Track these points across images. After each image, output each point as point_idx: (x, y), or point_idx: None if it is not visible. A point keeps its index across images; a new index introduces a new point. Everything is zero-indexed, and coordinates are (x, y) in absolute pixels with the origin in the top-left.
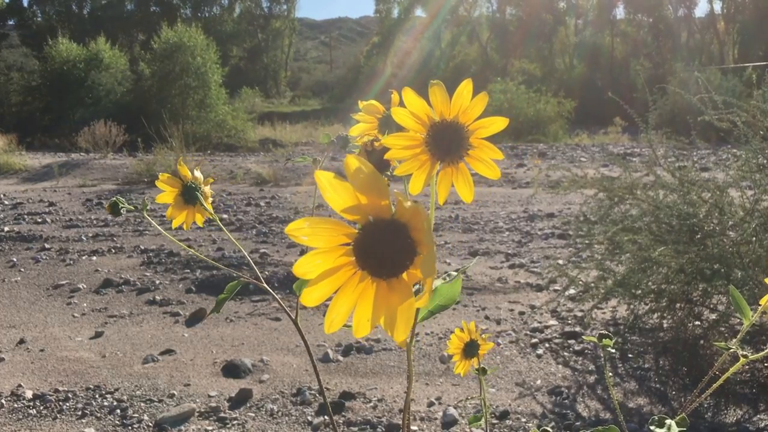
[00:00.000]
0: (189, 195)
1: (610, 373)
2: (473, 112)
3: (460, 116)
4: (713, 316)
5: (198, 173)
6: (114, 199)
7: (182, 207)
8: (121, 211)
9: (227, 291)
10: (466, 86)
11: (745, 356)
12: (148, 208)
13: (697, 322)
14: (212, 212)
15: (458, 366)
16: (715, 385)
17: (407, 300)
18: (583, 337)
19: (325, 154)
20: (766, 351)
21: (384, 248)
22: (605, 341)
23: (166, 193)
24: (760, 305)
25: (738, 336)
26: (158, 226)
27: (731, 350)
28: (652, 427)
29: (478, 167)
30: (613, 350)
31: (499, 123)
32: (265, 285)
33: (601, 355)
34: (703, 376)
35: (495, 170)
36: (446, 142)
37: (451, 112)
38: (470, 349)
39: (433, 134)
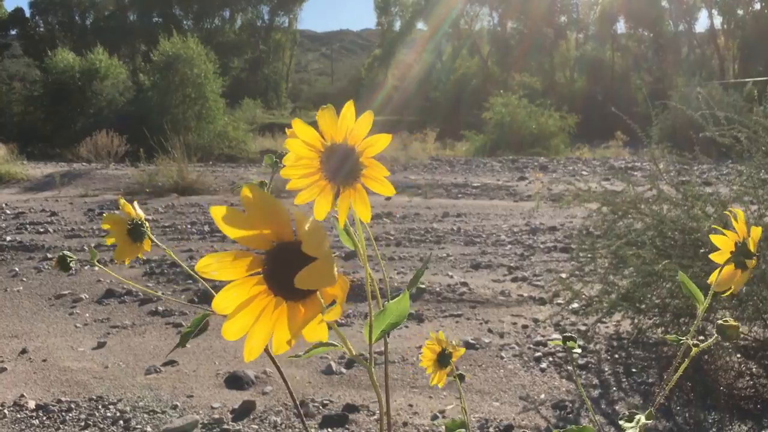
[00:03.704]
0: (137, 233)
1: (596, 380)
2: (359, 132)
3: (348, 138)
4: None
5: (136, 208)
6: (61, 253)
7: (129, 244)
8: (70, 264)
9: (193, 325)
10: (348, 109)
11: (696, 345)
12: (96, 258)
13: (701, 337)
14: (149, 247)
15: (433, 377)
16: (675, 377)
17: (317, 315)
18: (549, 341)
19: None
20: (712, 340)
21: (290, 271)
22: (570, 343)
23: (116, 233)
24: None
25: (696, 321)
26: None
27: (682, 341)
28: (621, 422)
29: (372, 185)
30: (579, 352)
31: (383, 140)
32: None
33: (605, 369)
34: (707, 391)
35: (388, 187)
36: (337, 165)
37: (338, 135)
38: (443, 359)
39: (324, 159)
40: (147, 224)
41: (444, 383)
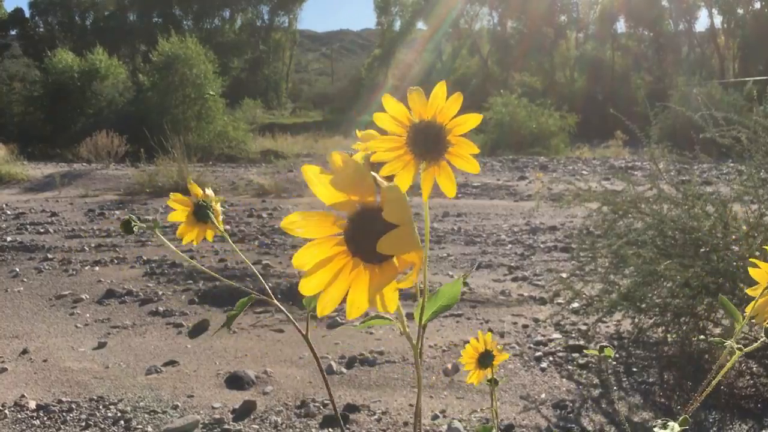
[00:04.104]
0: (200, 213)
1: (596, 379)
2: (449, 111)
3: (438, 116)
4: (718, 331)
5: (209, 191)
6: (127, 216)
7: (194, 225)
8: (134, 229)
9: (238, 306)
10: (440, 88)
11: (740, 349)
12: (159, 224)
13: (702, 337)
14: (222, 230)
15: (471, 376)
16: (714, 381)
17: (392, 280)
18: (585, 350)
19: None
20: (758, 343)
21: (370, 234)
22: (607, 351)
23: (178, 212)
24: (746, 312)
25: (733, 337)
26: (162, 238)
27: (727, 344)
28: (656, 430)
29: (458, 162)
30: (618, 360)
31: (473, 119)
32: (275, 301)
33: (605, 368)
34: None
35: (473, 164)
36: (425, 141)
37: (428, 113)
38: (485, 360)
39: (413, 135)
40: (215, 207)
41: (478, 383)
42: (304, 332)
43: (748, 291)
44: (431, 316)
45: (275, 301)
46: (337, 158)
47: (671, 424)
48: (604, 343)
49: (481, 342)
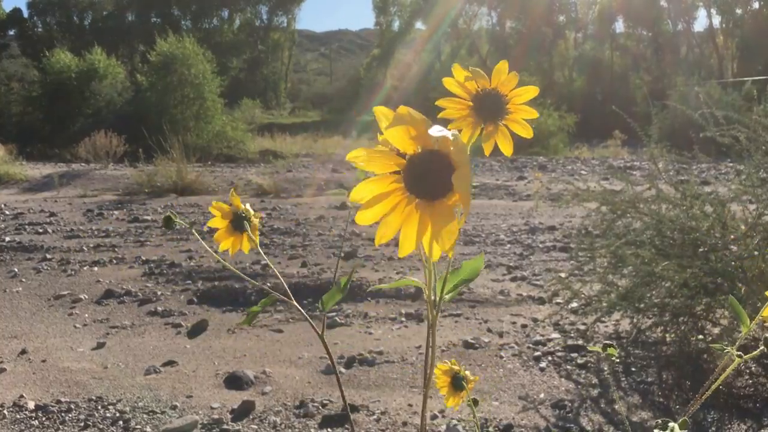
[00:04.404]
0: (238, 223)
1: (595, 379)
2: (510, 84)
3: (500, 87)
4: (716, 330)
5: (248, 207)
6: (168, 213)
7: (231, 233)
8: (174, 226)
9: (261, 304)
10: (503, 65)
11: (739, 356)
12: (194, 225)
13: (701, 337)
14: (257, 243)
15: (448, 400)
16: (714, 385)
17: (449, 219)
18: (588, 347)
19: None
20: (758, 351)
21: (428, 173)
22: (610, 350)
23: (217, 219)
24: (760, 317)
25: (737, 342)
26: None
27: (726, 351)
28: (655, 431)
29: (514, 127)
30: (618, 360)
31: (532, 91)
32: (294, 302)
33: (604, 368)
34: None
35: (528, 129)
36: (490, 105)
37: (491, 84)
38: (457, 383)
39: (479, 99)
40: (255, 220)
41: (458, 406)
42: (319, 331)
43: None
44: (452, 289)
45: (294, 302)
46: (404, 108)
47: (671, 424)
48: (603, 343)
49: (450, 367)
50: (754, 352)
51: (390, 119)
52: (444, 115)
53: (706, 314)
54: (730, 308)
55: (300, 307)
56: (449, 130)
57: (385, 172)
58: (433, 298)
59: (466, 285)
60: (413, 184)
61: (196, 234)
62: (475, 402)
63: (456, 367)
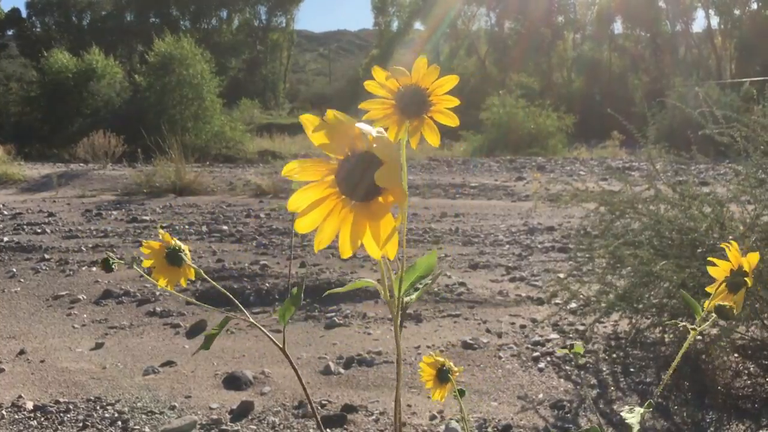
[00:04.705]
0: (173, 258)
1: (594, 380)
2: (430, 77)
3: (420, 82)
4: (715, 331)
5: (177, 241)
6: (105, 255)
7: (166, 268)
8: (113, 267)
9: (218, 327)
10: (421, 60)
11: (693, 329)
12: (137, 260)
13: (699, 337)
14: (193, 274)
15: (434, 393)
16: (675, 362)
17: (385, 218)
18: (547, 341)
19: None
20: (709, 322)
21: (359, 175)
22: (576, 347)
23: (152, 256)
24: (706, 307)
25: (697, 326)
26: (141, 271)
27: (681, 325)
28: (622, 414)
29: (439, 117)
30: (584, 356)
31: (451, 80)
32: (247, 314)
33: (603, 369)
34: (705, 390)
35: (453, 118)
36: (409, 101)
37: (412, 80)
38: (443, 375)
39: (399, 96)
40: (187, 253)
41: (445, 398)
42: (280, 345)
43: (708, 289)
44: (409, 287)
45: (247, 315)
46: (330, 113)
47: (637, 409)
48: (578, 342)
49: (435, 359)
50: (706, 323)
51: (315, 125)
52: (369, 117)
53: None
54: (684, 300)
55: (252, 319)
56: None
57: (318, 178)
58: (391, 297)
59: (428, 285)
60: (344, 187)
61: (138, 269)
62: (462, 393)
63: (440, 359)
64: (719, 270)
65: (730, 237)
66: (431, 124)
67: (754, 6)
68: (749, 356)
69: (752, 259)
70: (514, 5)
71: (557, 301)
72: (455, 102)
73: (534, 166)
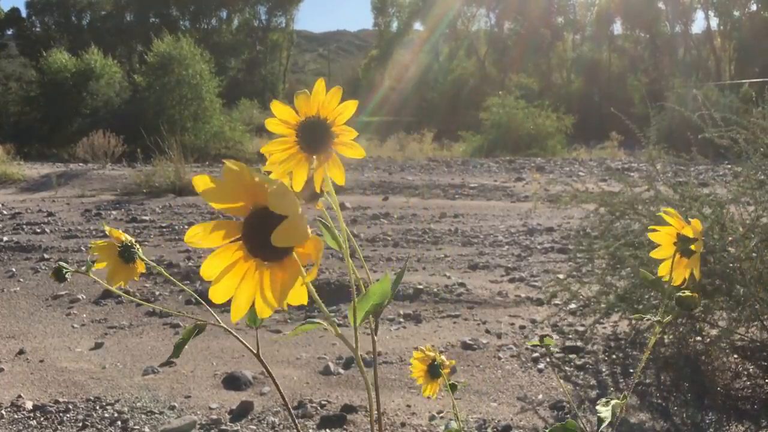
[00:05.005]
0: (126, 254)
1: (593, 381)
2: (330, 105)
3: (321, 112)
4: (714, 332)
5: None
6: (57, 264)
7: (121, 265)
8: (66, 276)
9: (185, 335)
10: (319, 85)
11: (659, 322)
12: (91, 268)
13: (699, 338)
14: (144, 267)
15: (426, 389)
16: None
17: (298, 276)
18: (528, 343)
19: None
20: (675, 314)
21: (264, 233)
22: (547, 340)
23: (104, 256)
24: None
25: (661, 308)
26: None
27: (646, 318)
28: (598, 407)
29: (344, 151)
30: (557, 349)
31: (350, 106)
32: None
33: (603, 369)
34: (704, 391)
35: (358, 150)
36: (310, 136)
37: (312, 110)
38: (434, 371)
39: (299, 132)
40: (138, 246)
41: (436, 394)
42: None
43: (652, 254)
44: (364, 316)
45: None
46: (227, 165)
47: (613, 401)
48: (540, 335)
49: (425, 354)
50: (670, 318)
51: (211, 189)
52: (272, 161)
53: (704, 316)
54: (642, 279)
55: (213, 313)
56: (276, 176)
57: (224, 242)
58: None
59: (380, 309)
60: (253, 250)
61: (93, 276)
62: (453, 387)
63: (431, 353)
64: (662, 235)
65: (730, 238)
66: (336, 160)
67: (754, 7)
68: (749, 357)
69: (696, 225)
70: (513, 6)
71: (557, 302)
72: (353, 134)
73: (533, 166)
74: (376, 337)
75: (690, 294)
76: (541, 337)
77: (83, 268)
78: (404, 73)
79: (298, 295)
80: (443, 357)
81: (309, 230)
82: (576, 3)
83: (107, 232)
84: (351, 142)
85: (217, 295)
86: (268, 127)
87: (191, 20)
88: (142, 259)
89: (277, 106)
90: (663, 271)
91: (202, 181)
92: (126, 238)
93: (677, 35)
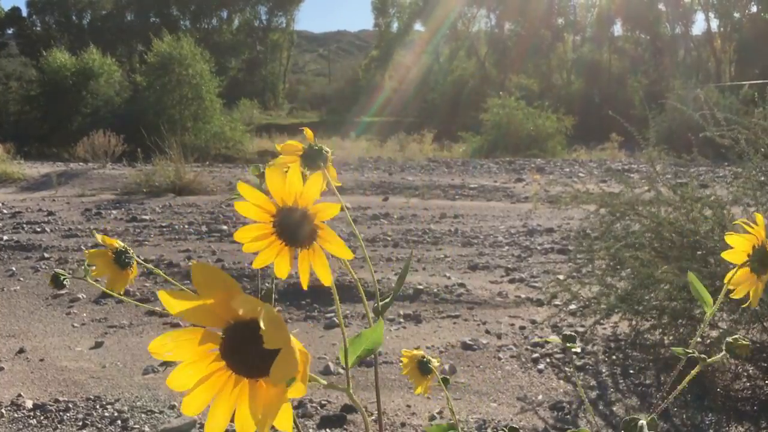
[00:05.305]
0: (121, 259)
1: (593, 381)
2: (310, 195)
3: (299, 201)
4: (715, 333)
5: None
6: (54, 272)
7: (119, 272)
8: (64, 282)
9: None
10: (294, 173)
11: (703, 359)
12: (88, 272)
13: (699, 339)
14: (135, 273)
15: (417, 388)
16: (679, 387)
17: (284, 393)
18: (546, 339)
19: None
20: (720, 356)
21: (249, 348)
22: (569, 344)
23: (101, 264)
24: (725, 290)
25: (702, 326)
26: (92, 282)
27: (690, 354)
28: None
29: (329, 247)
30: (578, 352)
31: (333, 209)
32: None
33: (603, 370)
34: (704, 393)
35: (345, 250)
36: (292, 229)
37: (289, 198)
38: (424, 367)
39: (278, 222)
40: (131, 251)
41: (428, 391)
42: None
43: (724, 255)
44: (355, 361)
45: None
46: (197, 270)
47: (640, 422)
48: (570, 334)
49: (413, 353)
50: (717, 357)
51: (179, 303)
52: (247, 249)
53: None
54: (690, 286)
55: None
56: (256, 267)
57: (201, 353)
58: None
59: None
60: (235, 365)
61: (90, 281)
62: (446, 381)
63: (419, 352)
64: (739, 240)
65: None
66: (322, 255)
67: (754, 9)
68: (749, 359)
69: None
70: (514, 7)
71: (557, 302)
72: (338, 239)
73: (533, 167)
74: None
75: (742, 343)
76: (565, 336)
77: (81, 273)
78: (404, 73)
79: (282, 418)
80: (438, 358)
81: (297, 356)
82: (576, 4)
83: (100, 241)
84: (337, 240)
85: (191, 407)
86: (238, 210)
87: (192, 20)
88: (139, 263)
89: (247, 190)
90: (727, 278)
91: (168, 299)
92: (119, 244)
93: (677, 37)
